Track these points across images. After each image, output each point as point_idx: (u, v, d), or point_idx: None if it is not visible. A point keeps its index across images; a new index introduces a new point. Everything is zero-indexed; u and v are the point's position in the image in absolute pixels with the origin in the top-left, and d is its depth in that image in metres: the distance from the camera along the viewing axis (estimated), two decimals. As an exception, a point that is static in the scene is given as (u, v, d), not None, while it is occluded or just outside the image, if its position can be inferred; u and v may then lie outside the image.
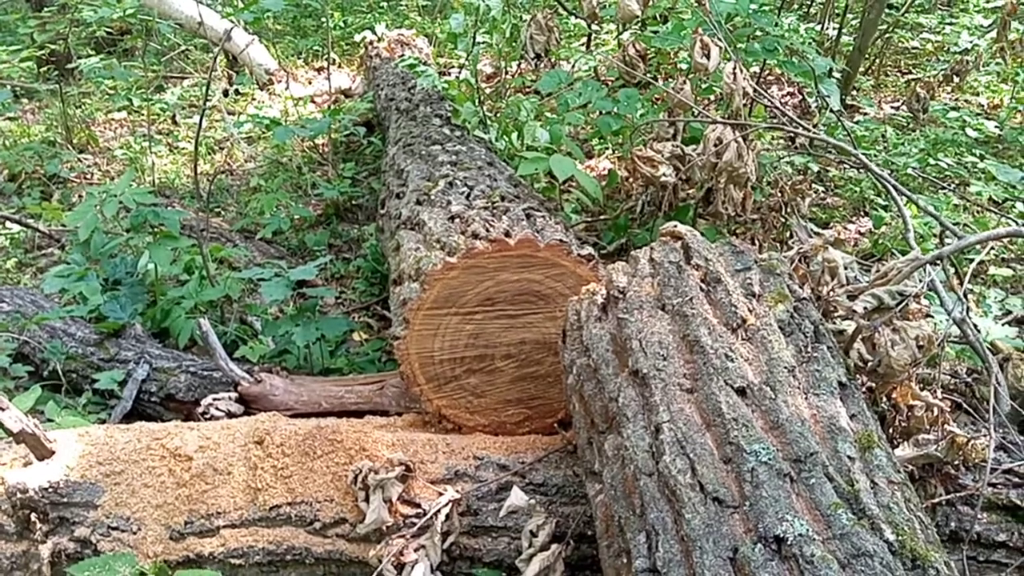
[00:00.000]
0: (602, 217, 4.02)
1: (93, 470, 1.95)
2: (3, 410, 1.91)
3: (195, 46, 6.98)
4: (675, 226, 1.93)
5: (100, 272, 3.33)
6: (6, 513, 1.93)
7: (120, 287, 3.29)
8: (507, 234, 2.27)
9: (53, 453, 1.98)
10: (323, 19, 7.18)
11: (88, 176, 5.11)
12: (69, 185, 4.93)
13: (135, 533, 1.89)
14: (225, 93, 6.24)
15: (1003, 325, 2.82)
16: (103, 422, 2.60)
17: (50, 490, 1.91)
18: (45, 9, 6.17)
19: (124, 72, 5.21)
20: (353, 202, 4.69)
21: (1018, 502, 1.87)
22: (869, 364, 1.85)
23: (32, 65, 6.18)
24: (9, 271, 3.97)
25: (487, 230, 2.36)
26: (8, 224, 4.30)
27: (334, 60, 6.62)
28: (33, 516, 1.91)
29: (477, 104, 4.03)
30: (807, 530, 1.26)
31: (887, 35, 6.04)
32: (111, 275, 3.35)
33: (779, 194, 3.32)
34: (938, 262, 2.02)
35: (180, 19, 6.43)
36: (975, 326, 2.19)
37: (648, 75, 3.63)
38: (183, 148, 5.55)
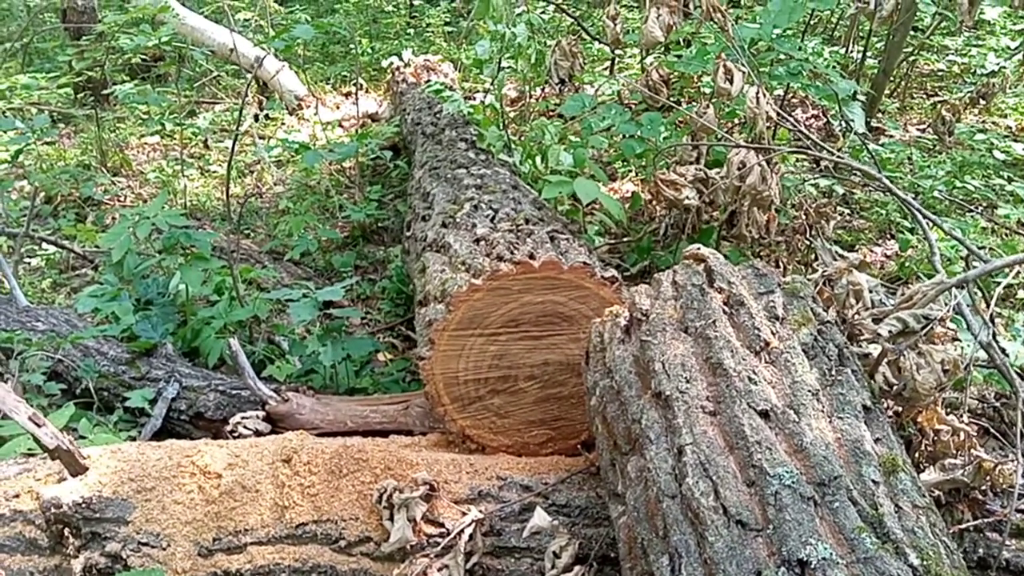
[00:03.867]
0: (625, 240, 4.03)
1: (125, 486, 1.99)
2: (39, 426, 1.96)
3: (226, 72, 7.14)
4: (698, 249, 1.94)
5: (132, 292, 3.41)
6: (40, 528, 1.98)
7: (152, 307, 3.35)
8: (531, 256, 2.30)
9: (86, 469, 2.03)
10: (351, 46, 7.32)
11: (122, 199, 5.23)
12: (103, 207, 5.04)
13: (164, 549, 1.93)
14: (256, 118, 6.37)
15: (1033, 349, 2.78)
16: (133, 439, 2.65)
17: (83, 505, 1.96)
18: (83, 37, 6.36)
19: (158, 98, 5.34)
20: (379, 224, 4.76)
21: (1049, 529, 1.84)
22: (895, 388, 1.84)
23: (69, 91, 6.36)
24: (44, 291, 4.07)
25: (512, 252, 2.39)
26: (44, 245, 4.41)
27: (362, 85, 6.73)
28: (66, 531, 1.95)
29: (502, 128, 4.08)
30: (831, 554, 1.26)
31: (912, 58, 6.03)
32: (143, 295, 3.42)
33: (803, 217, 3.33)
34: (964, 285, 2.00)
35: (213, 46, 6.60)
36: (1003, 350, 2.16)
37: (671, 99, 3.65)
38: (214, 171, 5.66)
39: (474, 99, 5.64)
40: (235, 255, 3.75)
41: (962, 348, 1.97)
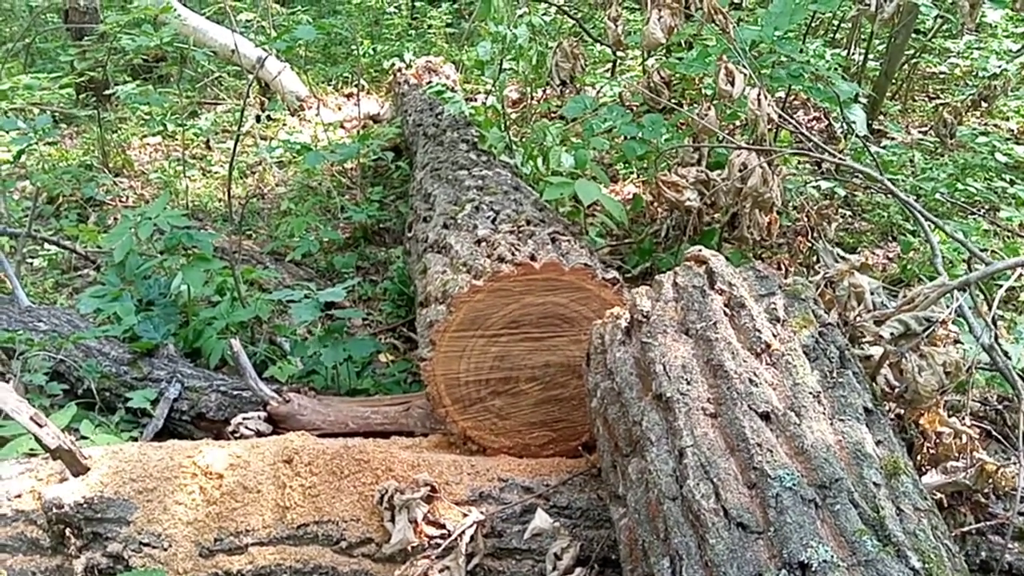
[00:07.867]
0: (627, 241, 4.04)
1: (126, 487, 2.00)
2: (41, 426, 1.96)
3: (228, 73, 7.14)
4: (699, 250, 1.94)
5: (134, 293, 3.41)
6: (42, 528, 1.98)
7: (153, 308, 3.35)
8: (532, 258, 2.30)
9: (88, 469, 2.03)
10: (353, 47, 7.32)
11: (123, 199, 5.23)
12: (105, 208, 5.05)
13: (166, 549, 1.93)
14: (257, 119, 6.37)
15: (1034, 352, 2.77)
16: (135, 440, 2.65)
17: (84, 505, 1.96)
18: (85, 38, 6.36)
19: (159, 98, 5.35)
20: (380, 225, 4.76)
21: (1050, 532, 1.84)
22: (896, 390, 1.84)
23: (71, 91, 6.36)
24: (46, 291, 4.07)
25: (513, 254, 2.39)
26: (46, 245, 4.42)
27: (363, 87, 6.74)
28: (68, 531, 1.95)
29: (503, 129, 4.08)
30: (832, 556, 1.26)
31: (914, 60, 6.02)
32: (145, 296, 3.42)
33: (805, 219, 3.33)
34: (966, 288, 2.00)
35: (214, 47, 6.61)
36: (1005, 353, 2.16)
37: (673, 101, 3.66)
38: (216, 172, 5.67)
39: (475, 100, 5.64)
40: (237, 256, 3.75)
41: (964, 351, 1.97)
